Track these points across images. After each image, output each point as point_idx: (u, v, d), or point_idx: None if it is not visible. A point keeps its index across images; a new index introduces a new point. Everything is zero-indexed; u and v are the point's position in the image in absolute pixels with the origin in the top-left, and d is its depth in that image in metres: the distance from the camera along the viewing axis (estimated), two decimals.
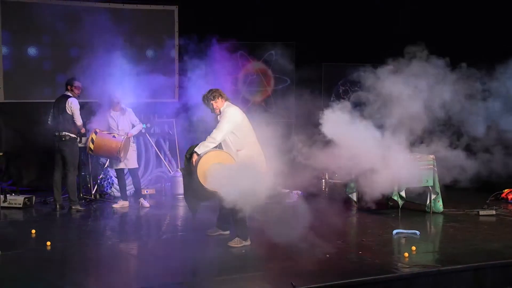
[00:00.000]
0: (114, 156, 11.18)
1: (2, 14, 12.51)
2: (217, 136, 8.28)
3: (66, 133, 10.92)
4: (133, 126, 11.50)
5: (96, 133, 11.01)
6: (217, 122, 8.62)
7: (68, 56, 12.96)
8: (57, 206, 11.07)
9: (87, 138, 11.14)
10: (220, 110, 8.52)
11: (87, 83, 11.39)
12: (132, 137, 11.50)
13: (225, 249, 8.42)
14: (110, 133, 11.15)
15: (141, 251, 8.85)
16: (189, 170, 8.50)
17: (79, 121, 11.01)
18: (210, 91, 8.63)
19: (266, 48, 14.06)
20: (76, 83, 11.05)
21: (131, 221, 10.75)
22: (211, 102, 8.53)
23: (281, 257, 7.90)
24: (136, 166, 11.79)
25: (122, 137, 11.11)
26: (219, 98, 8.54)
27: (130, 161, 11.46)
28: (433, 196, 10.66)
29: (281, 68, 13.62)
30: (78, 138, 11.22)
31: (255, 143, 8.50)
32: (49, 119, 11.19)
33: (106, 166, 12.19)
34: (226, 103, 8.58)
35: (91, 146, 11.01)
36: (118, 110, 11.39)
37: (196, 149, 8.34)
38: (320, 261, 7.69)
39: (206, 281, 7.21)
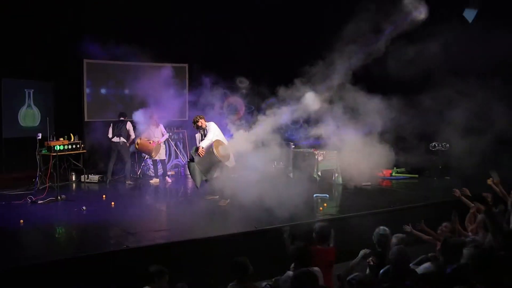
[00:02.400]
0: (149, 154, 11.40)
1: (88, 70, 12.61)
2: (212, 137, 8.62)
3: (123, 140, 11.24)
4: (163, 135, 11.63)
5: (140, 139, 11.28)
6: (199, 134, 9.12)
7: (123, 94, 13.16)
8: (107, 181, 11.14)
9: (134, 143, 11.36)
10: (206, 125, 8.89)
11: (134, 110, 11.50)
12: (162, 142, 11.66)
13: (215, 206, 8.56)
14: (148, 140, 11.31)
15: (168, 207, 9.00)
16: (193, 159, 8.74)
17: (133, 135, 11.34)
18: (197, 116, 9.02)
19: (241, 87, 14.09)
20: (126, 116, 11.41)
21: (161, 191, 10.75)
22: (200, 120, 8.92)
23: (244, 211, 7.89)
24: (164, 158, 11.87)
25: (155, 143, 11.28)
26: (203, 119, 8.96)
27: (161, 154, 11.61)
28: (336, 174, 10.79)
29: (249, 100, 13.70)
30: (128, 144, 11.43)
31: (224, 139, 8.90)
32: (109, 132, 11.27)
33: (146, 158, 12.13)
34: (207, 122, 8.98)
35: (136, 147, 11.30)
36: (154, 125, 11.53)
37: (200, 144, 8.67)
38: (270, 211, 7.59)
39: (202, 224, 7.41)
